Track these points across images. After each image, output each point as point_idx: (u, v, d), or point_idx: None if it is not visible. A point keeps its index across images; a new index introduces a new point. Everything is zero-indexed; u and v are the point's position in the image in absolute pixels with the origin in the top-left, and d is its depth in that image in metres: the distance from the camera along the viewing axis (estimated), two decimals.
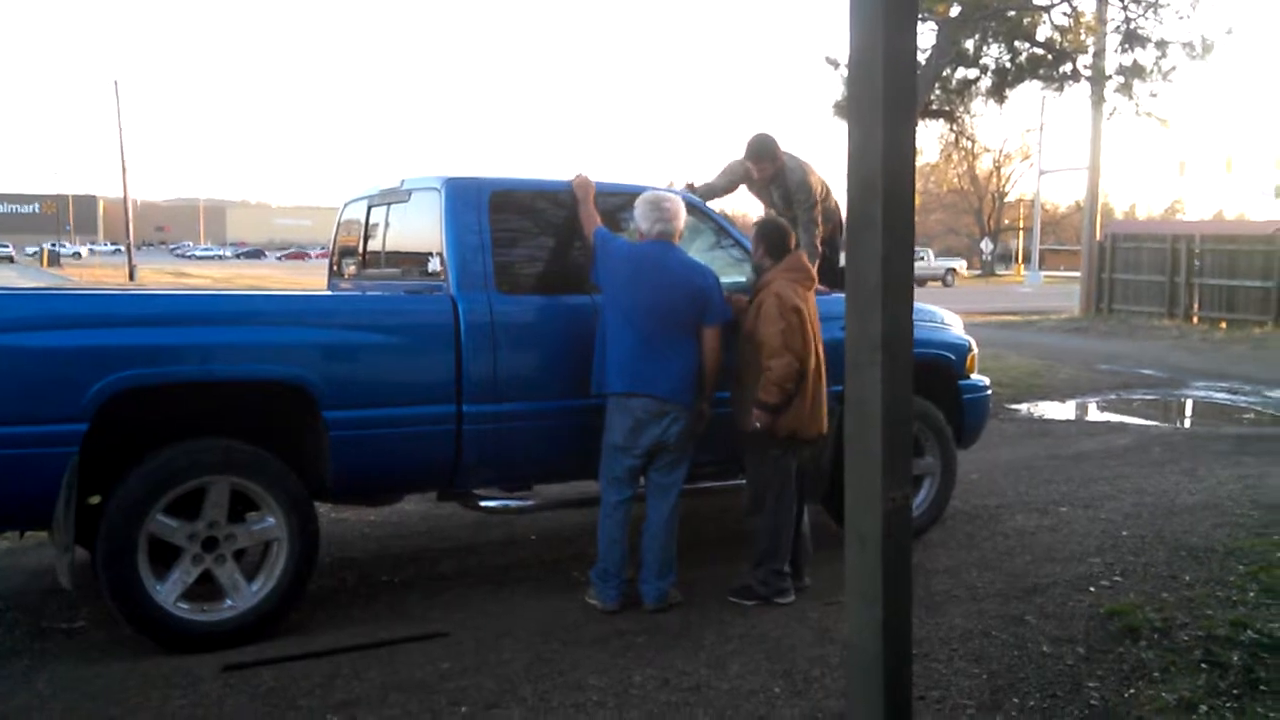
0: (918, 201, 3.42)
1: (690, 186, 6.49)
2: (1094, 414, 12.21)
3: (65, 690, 4.10)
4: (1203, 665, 4.33)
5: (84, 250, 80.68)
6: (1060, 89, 15.35)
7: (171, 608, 4.39)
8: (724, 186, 6.76)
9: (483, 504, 5.21)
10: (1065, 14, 14.77)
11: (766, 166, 6.47)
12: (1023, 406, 12.19)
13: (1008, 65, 15.04)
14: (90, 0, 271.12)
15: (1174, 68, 14.16)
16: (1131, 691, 4.10)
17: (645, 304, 4.88)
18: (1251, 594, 5.18)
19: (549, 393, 5.05)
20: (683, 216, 5.11)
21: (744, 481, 5.42)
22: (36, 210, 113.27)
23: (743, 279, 5.60)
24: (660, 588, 5.00)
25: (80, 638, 4.67)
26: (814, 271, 5.42)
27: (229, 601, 4.52)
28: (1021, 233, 68.60)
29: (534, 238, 5.28)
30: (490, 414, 4.93)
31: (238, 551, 4.57)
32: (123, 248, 44.75)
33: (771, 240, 5.29)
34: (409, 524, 6.62)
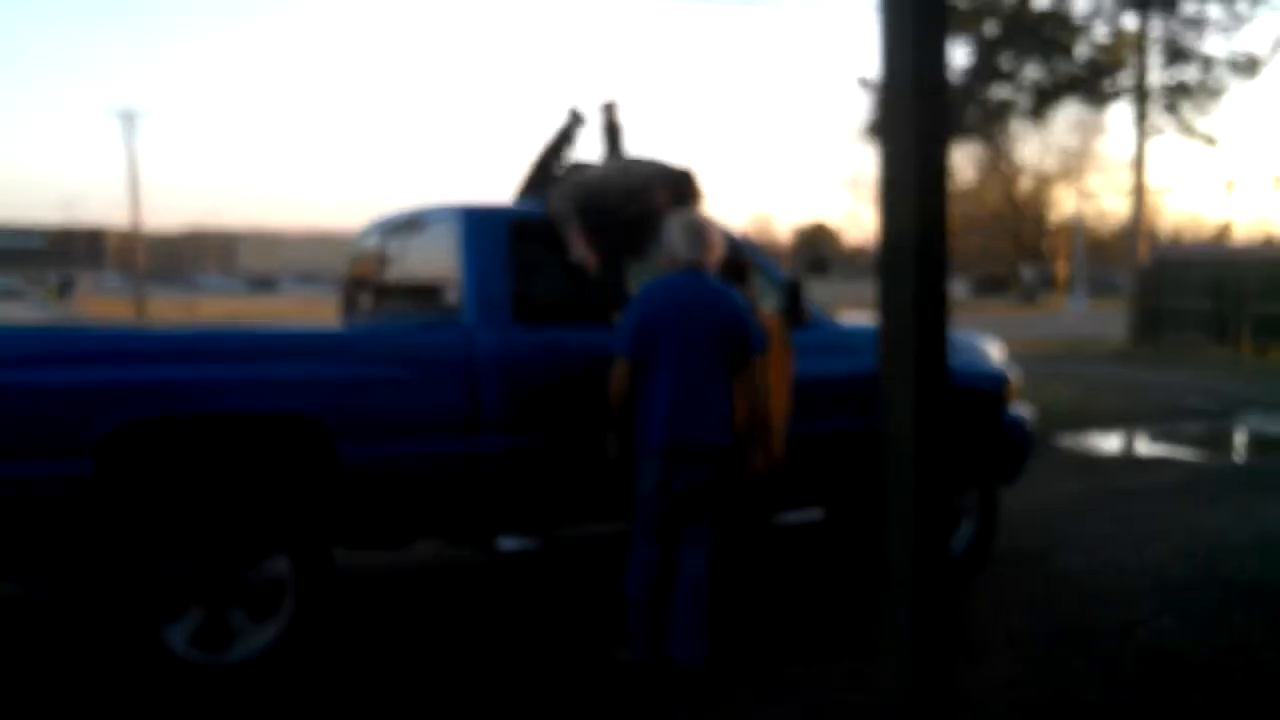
0: (954, 225, 3.30)
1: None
2: (1142, 447, 11.95)
3: None
4: (1257, 710, 4.16)
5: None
6: (1101, 108, 15.22)
7: (181, 651, 4.26)
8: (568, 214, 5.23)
9: (499, 546, 5.07)
10: (1105, 31, 14.62)
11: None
12: (1067, 440, 11.93)
13: (1046, 84, 14.89)
14: (97, 30, 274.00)
15: (1221, 83, 13.96)
16: None
17: (682, 339, 4.51)
18: None
19: (569, 428, 4.89)
20: (721, 244, 4.77)
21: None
22: (45, 244, 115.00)
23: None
24: (692, 649, 4.54)
25: (89, 680, 4.55)
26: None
27: (239, 645, 4.38)
28: (1063, 258, 68.20)
29: (554, 269, 5.15)
30: (508, 450, 4.80)
31: (248, 594, 4.43)
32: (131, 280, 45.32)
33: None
34: (423, 567, 6.46)
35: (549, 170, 5.80)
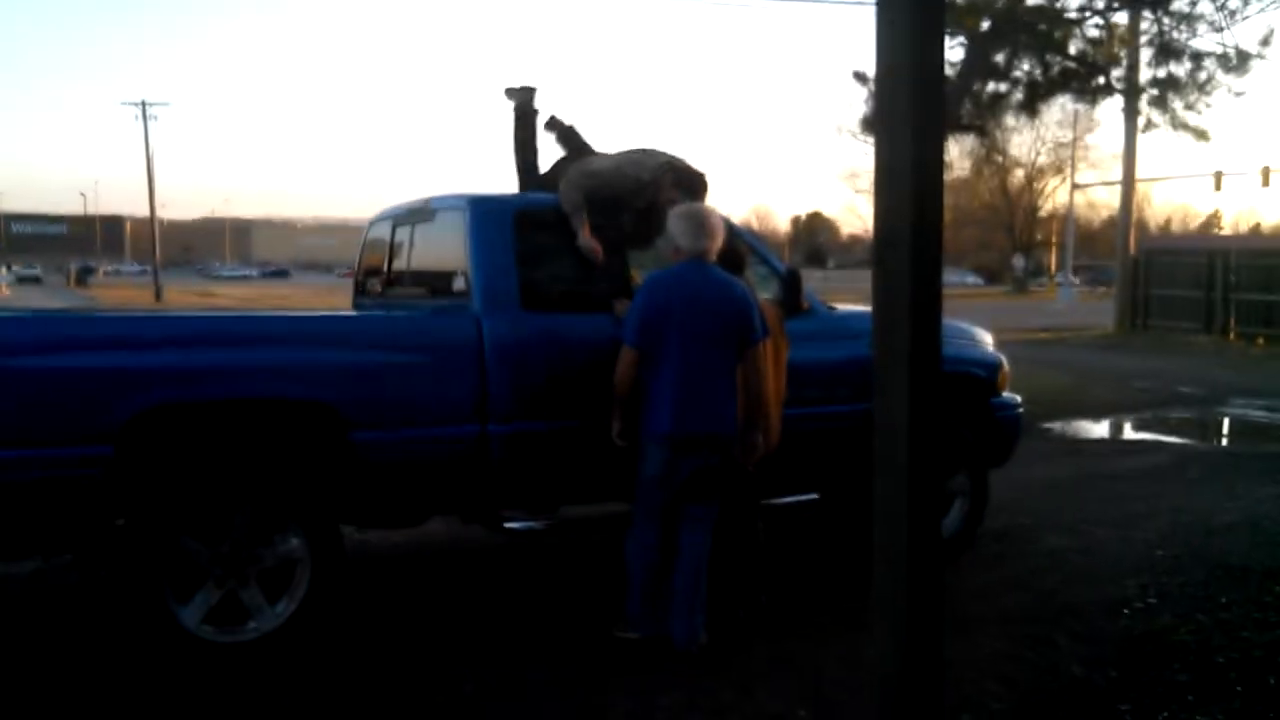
0: (949, 217, 3.38)
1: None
2: (1129, 432, 12.08)
3: None
4: (1238, 688, 4.24)
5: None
6: (1093, 102, 15.29)
7: (195, 630, 4.38)
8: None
9: (507, 525, 5.17)
10: (1097, 26, 14.69)
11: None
12: (1056, 424, 12.05)
13: (1039, 79, 14.94)
14: (115, 22, 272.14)
15: (1211, 79, 14.01)
16: (1165, 715, 4.02)
17: (689, 329, 4.59)
18: None
19: (575, 412, 4.99)
20: (722, 233, 4.84)
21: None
22: (65, 231, 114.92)
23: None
24: (690, 628, 4.67)
25: (105, 659, 4.67)
26: None
27: (252, 624, 4.50)
28: (1054, 248, 68.11)
29: (560, 256, 5.24)
30: (516, 434, 4.91)
31: (262, 573, 4.55)
32: (148, 268, 45.39)
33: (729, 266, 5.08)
34: (433, 545, 6.57)
35: (531, 160, 5.85)
